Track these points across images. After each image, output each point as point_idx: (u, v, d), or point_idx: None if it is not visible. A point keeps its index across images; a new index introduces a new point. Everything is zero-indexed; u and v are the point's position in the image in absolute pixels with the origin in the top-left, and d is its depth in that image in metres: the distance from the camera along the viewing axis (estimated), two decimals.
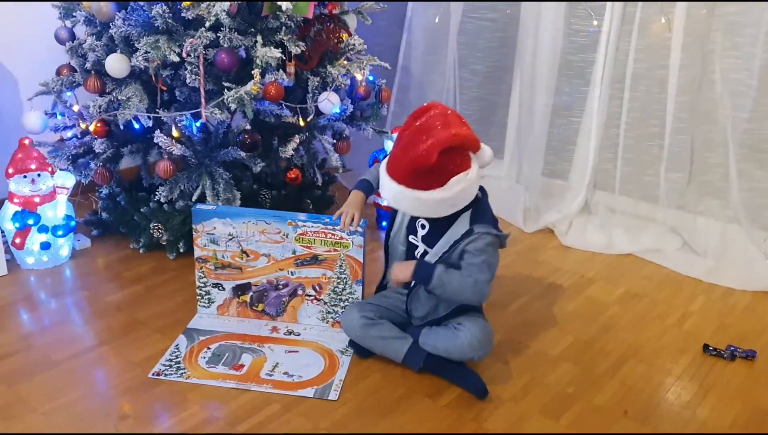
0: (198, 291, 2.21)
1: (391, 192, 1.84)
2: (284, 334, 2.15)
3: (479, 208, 1.89)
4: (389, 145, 2.85)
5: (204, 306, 2.23)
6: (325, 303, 2.16)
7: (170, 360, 2.00)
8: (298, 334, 2.15)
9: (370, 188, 2.08)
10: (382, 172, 1.87)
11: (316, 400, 1.86)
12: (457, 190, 1.78)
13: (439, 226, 1.91)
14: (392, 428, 1.78)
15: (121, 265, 2.55)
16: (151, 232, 2.56)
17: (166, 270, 2.52)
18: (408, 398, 1.89)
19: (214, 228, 2.12)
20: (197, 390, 1.89)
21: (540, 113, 2.99)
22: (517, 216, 3.03)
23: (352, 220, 2.01)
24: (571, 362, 2.09)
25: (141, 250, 2.62)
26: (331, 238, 2.07)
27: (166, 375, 1.94)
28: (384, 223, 2.85)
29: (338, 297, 2.14)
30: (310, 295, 2.16)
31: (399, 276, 1.94)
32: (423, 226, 1.95)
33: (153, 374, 1.94)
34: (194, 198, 2.38)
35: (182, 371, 1.96)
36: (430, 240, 1.94)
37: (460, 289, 1.87)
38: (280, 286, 2.16)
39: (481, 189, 1.93)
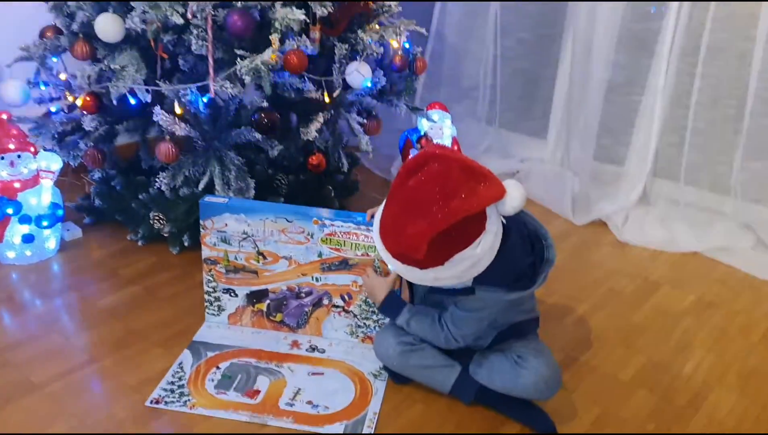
0: (206, 297, 1.88)
1: (384, 255, 1.46)
2: (306, 350, 1.82)
3: (494, 259, 1.43)
4: (424, 125, 2.49)
5: (213, 314, 1.90)
6: (355, 315, 1.83)
7: (172, 383, 1.68)
8: (323, 351, 1.82)
9: None
10: (375, 226, 1.49)
11: None
12: (461, 269, 1.39)
13: None
14: None
15: (117, 260, 2.22)
16: (151, 222, 2.22)
17: (168, 266, 2.19)
18: None
19: (226, 225, 1.78)
20: (204, 424, 1.57)
21: (594, 89, 2.62)
22: (564, 205, 2.68)
23: None
24: (646, 389, 1.76)
25: (140, 243, 2.28)
26: (363, 240, 1.73)
27: (166, 403, 1.62)
28: None
29: (370, 309, 1.81)
30: (337, 306, 1.83)
31: (369, 293, 1.74)
32: None
33: (151, 402, 1.62)
34: (201, 186, 2.03)
35: (186, 398, 1.63)
36: None
37: (429, 337, 1.64)
38: (303, 294, 1.83)
39: (508, 225, 1.47)
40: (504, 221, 1.46)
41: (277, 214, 1.75)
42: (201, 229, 1.80)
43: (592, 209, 2.66)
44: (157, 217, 2.21)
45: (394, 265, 1.45)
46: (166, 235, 2.24)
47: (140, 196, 2.24)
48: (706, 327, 2.05)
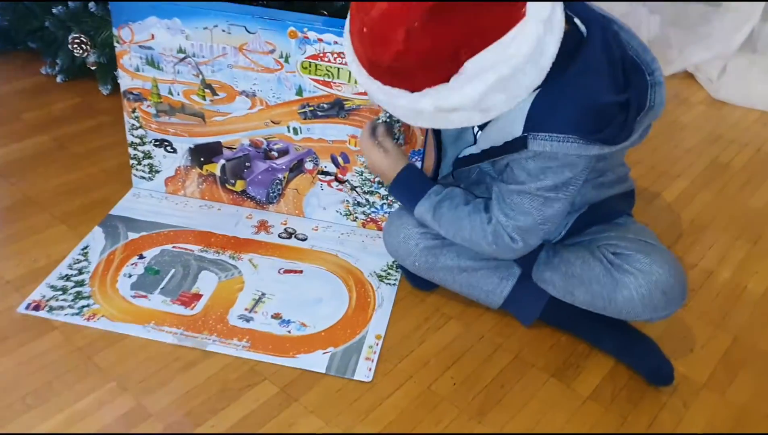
0: (131, 151, 1.26)
1: (354, 69, 0.86)
2: (280, 235, 1.22)
3: (555, 86, 0.83)
4: None
5: (143, 177, 1.28)
6: (353, 188, 1.21)
7: (66, 277, 1.09)
8: (304, 238, 1.22)
9: None
10: (346, 24, 0.86)
11: (335, 379, 0.96)
12: (480, 90, 0.78)
13: None
14: None
15: (24, 100, 1.59)
16: (70, 47, 1.56)
17: (92, 111, 1.57)
18: (518, 379, 1.00)
19: (152, 36, 1.12)
20: (112, 347, 0.99)
21: None
22: None
23: None
24: None
25: (58, 79, 1.66)
26: None
27: (51, 310, 1.03)
28: None
29: (376, 179, 1.19)
30: (326, 173, 1.20)
31: (374, 166, 1.09)
32: None
33: (27, 307, 1.03)
34: None
35: (84, 303, 1.04)
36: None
37: (467, 236, 0.98)
38: (274, 153, 1.20)
39: (587, 31, 0.87)
40: (580, 26, 0.84)
41: (231, 19, 1.09)
42: (115, 43, 1.15)
43: (675, 57, 2.01)
44: (77, 40, 1.55)
45: (368, 87, 0.84)
46: (92, 67, 1.59)
47: (54, 11, 1.56)
48: None
